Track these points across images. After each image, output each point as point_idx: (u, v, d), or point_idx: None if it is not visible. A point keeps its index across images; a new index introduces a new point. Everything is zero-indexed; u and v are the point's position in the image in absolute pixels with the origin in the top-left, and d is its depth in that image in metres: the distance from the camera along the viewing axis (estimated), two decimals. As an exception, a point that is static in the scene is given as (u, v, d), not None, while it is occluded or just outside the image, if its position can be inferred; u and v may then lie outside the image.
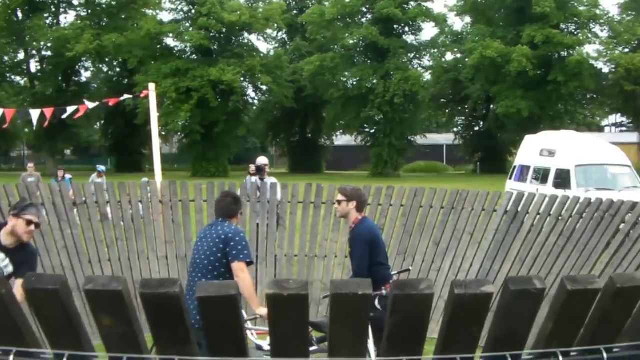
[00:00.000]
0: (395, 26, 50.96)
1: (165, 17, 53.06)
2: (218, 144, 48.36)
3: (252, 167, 10.14)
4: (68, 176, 17.92)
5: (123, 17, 51.85)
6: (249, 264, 5.42)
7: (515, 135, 42.42)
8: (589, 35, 49.32)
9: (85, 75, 56.15)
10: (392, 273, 6.50)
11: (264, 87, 52.24)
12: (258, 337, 5.73)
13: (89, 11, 52.17)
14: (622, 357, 2.10)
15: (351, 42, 51.09)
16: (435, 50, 54.41)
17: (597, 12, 48.80)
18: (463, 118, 60.10)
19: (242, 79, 48.74)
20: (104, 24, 51.05)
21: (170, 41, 51.57)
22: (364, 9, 52.11)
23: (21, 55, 52.42)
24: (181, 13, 51.82)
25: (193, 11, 50.07)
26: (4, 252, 4.84)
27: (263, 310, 5.34)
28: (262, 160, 10.51)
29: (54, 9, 52.43)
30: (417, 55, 54.37)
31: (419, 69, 53.46)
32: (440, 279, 8.58)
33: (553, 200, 8.54)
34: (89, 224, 8.44)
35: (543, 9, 45.30)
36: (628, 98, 49.62)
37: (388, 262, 6.55)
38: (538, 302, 1.96)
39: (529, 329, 2.03)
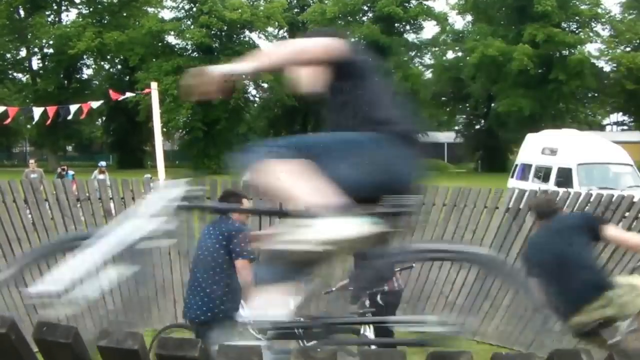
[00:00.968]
0: (396, 24, 50.98)
1: (166, 15, 53.21)
2: (219, 141, 48.31)
3: None
4: (71, 172, 17.96)
5: (124, 15, 51.95)
6: (252, 260, 5.39)
7: (517, 134, 42.28)
8: (591, 34, 49.23)
9: (87, 72, 56.29)
10: (395, 269, 6.47)
11: (265, 85, 52.15)
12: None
13: (91, 9, 52.17)
14: None
15: (352, 40, 50.98)
16: (436, 49, 54.42)
17: (599, 10, 48.75)
18: (464, 116, 60.03)
19: (243, 76, 48.62)
20: (105, 21, 51.09)
21: (171, 39, 51.62)
22: (365, 8, 52.11)
23: (23, 53, 52.46)
24: (182, 11, 51.79)
25: (194, 9, 50.00)
26: None
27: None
28: None
29: (55, 7, 52.44)
30: (418, 54, 54.41)
31: (420, 67, 53.53)
32: (442, 275, 8.58)
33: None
34: (93, 219, 8.42)
35: (544, 8, 45.23)
36: (629, 97, 49.56)
37: None
38: None
39: None
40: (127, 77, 53.06)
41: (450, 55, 55.29)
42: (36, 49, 51.93)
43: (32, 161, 18.88)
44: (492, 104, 51.74)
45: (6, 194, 8.01)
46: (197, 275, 5.46)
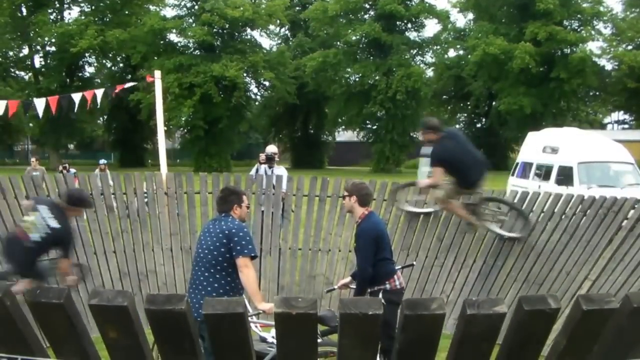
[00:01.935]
0: (397, 22, 50.90)
1: (168, 13, 53.10)
2: (220, 140, 48.36)
3: (262, 156, 10.17)
4: (72, 170, 17.96)
5: (126, 12, 51.97)
6: (253, 258, 5.39)
7: (518, 132, 42.41)
8: (593, 32, 49.16)
9: (89, 70, 56.30)
10: (396, 267, 6.47)
11: (267, 83, 52.15)
12: (262, 329, 5.74)
13: (93, 7, 52.16)
14: None
15: (354, 38, 51.02)
16: (438, 47, 54.34)
17: (601, 9, 48.71)
18: (465, 115, 60.03)
19: (244, 74, 48.70)
20: (107, 19, 51.10)
21: (173, 37, 51.56)
22: (367, 5, 52.03)
23: (25, 51, 52.49)
24: (184, 9, 51.76)
25: (196, 7, 50.01)
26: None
27: (266, 306, 5.34)
28: (271, 149, 10.57)
29: (57, 5, 52.42)
30: (420, 52, 54.30)
31: (422, 65, 53.41)
32: (443, 274, 8.58)
33: (557, 199, 8.51)
34: (95, 215, 8.43)
35: (546, 6, 45.19)
36: (631, 95, 49.55)
37: (392, 257, 6.51)
38: (552, 322, 1.94)
39: (541, 346, 2.01)
40: (129, 75, 53.06)
41: (451, 53, 55.41)
42: (38, 47, 52.03)
43: (33, 159, 18.88)
44: (493, 103, 51.75)
45: (7, 190, 8.00)
46: (197, 274, 5.45)
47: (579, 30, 48.96)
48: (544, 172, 18.14)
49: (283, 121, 59.89)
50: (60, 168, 18.13)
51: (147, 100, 44.01)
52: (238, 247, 5.30)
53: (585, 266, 7.82)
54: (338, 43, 52.14)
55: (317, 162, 57.44)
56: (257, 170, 10.17)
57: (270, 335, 5.49)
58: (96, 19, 50.21)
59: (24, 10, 50.78)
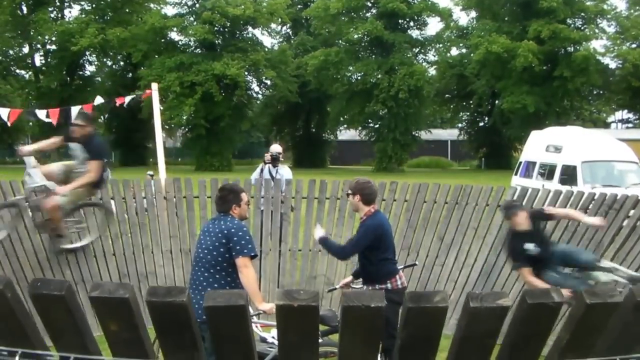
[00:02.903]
0: (400, 21, 50.87)
1: (169, 11, 53.08)
2: (222, 138, 48.35)
3: (268, 156, 10.18)
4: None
5: (127, 11, 51.89)
6: (252, 257, 5.38)
7: (521, 131, 42.36)
8: (596, 31, 49.11)
9: (90, 69, 56.23)
10: (399, 267, 6.49)
11: (268, 82, 52.16)
12: (263, 329, 5.75)
13: (93, 5, 52.13)
14: None
15: (356, 36, 50.97)
16: (440, 45, 54.32)
17: (605, 7, 48.60)
18: (468, 113, 59.99)
19: (246, 73, 48.71)
20: (108, 18, 51.05)
21: (174, 35, 51.58)
22: (369, 4, 52.00)
23: (26, 49, 52.39)
24: (185, 7, 51.83)
25: (197, 5, 50.07)
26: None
27: (266, 306, 5.34)
28: (276, 148, 10.56)
29: (58, 3, 52.35)
30: (422, 50, 54.28)
31: (424, 64, 53.39)
32: (445, 274, 8.60)
33: (557, 195, 8.51)
34: (94, 220, 8.45)
35: (550, 4, 45.11)
36: (635, 94, 49.45)
37: (395, 257, 6.52)
38: (555, 316, 1.94)
39: (544, 341, 2.01)
40: (130, 73, 53.11)
41: (454, 51, 55.33)
42: (39, 46, 51.96)
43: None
44: (496, 101, 51.66)
45: (7, 194, 8.02)
46: (197, 274, 5.44)
47: (582, 28, 48.90)
48: (548, 172, 18.14)
49: (285, 120, 59.88)
50: None
51: (148, 99, 43.88)
52: (237, 247, 5.29)
53: (587, 265, 7.81)
54: (340, 41, 52.11)
55: (319, 161, 57.43)
56: (261, 170, 10.20)
57: (271, 335, 5.50)
58: (97, 17, 50.16)
59: (24, 9, 50.77)
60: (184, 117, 47.40)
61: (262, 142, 63.93)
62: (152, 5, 53.68)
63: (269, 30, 56.73)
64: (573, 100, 49.26)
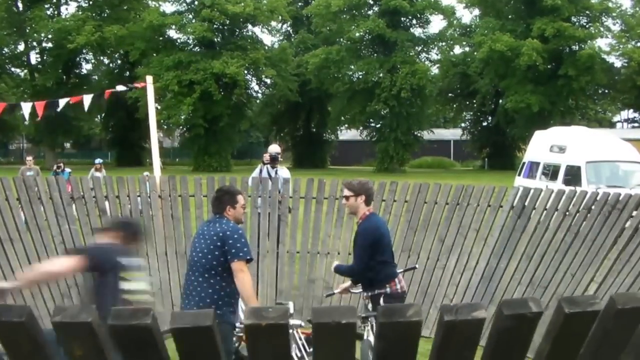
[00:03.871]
0: (402, 18, 50.92)
1: (167, 8, 53.10)
2: (221, 138, 48.34)
3: (267, 156, 10.16)
4: (67, 170, 17.96)
5: (125, 8, 51.85)
6: (248, 261, 5.34)
7: (525, 131, 42.30)
8: (601, 29, 49.13)
9: (86, 67, 56.28)
10: (398, 271, 6.43)
11: (268, 81, 52.16)
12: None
13: (90, 2, 52.18)
14: None
15: (357, 34, 50.96)
16: (443, 44, 54.37)
17: (610, 4, 48.70)
18: (471, 113, 59.99)
19: (245, 72, 48.69)
20: (105, 15, 51.07)
21: (172, 33, 51.64)
22: (371, 1, 52.03)
23: (21, 47, 52.43)
24: (184, 4, 51.74)
25: (196, 2, 49.91)
26: None
27: None
28: (274, 148, 10.54)
29: (54, 0, 52.42)
30: (425, 49, 54.28)
31: (427, 62, 53.41)
32: (446, 277, 8.52)
33: (560, 195, 8.46)
34: (87, 219, 8.42)
35: (554, 1, 45.09)
36: (640, 93, 49.48)
37: (394, 259, 6.46)
38: (534, 326, 1.92)
39: (524, 352, 1.99)
40: (127, 72, 53.07)
41: (457, 50, 55.40)
42: (35, 43, 51.91)
43: (29, 158, 18.83)
44: (500, 100, 51.66)
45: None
46: (191, 279, 5.38)
47: (587, 26, 48.88)
48: (552, 172, 18.13)
49: (285, 119, 59.87)
50: (55, 167, 18.14)
51: (145, 97, 43.84)
52: (233, 251, 5.23)
53: (590, 267, 7.75)
54: (341, 39, 52.12)
55: (320, 161, 57.42)
56: (260, 171, 10.15)
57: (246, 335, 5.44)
58: (94, 14, 50.17)
59: (20, 5, 50.85)
60: (182, 117, 47.28)
61: (262, 142, 63.92)
62: (150, 2, 53.69)
63: (269, 28, 56.74)
64: (578, 99, 49.27)
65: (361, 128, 54.14)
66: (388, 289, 6.04)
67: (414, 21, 52.68)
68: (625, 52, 47.40)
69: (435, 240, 8.68)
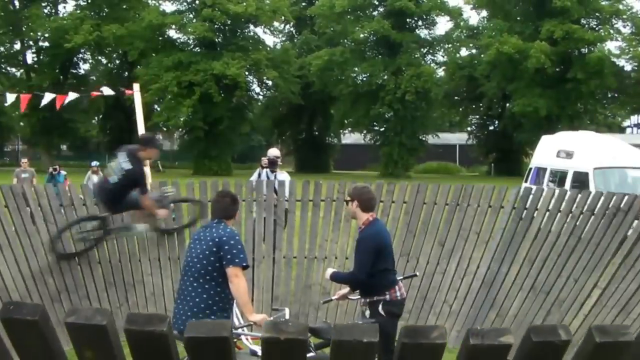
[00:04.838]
0: (408, 20, 51.01)
1: (167, 7, 53.20)
2: (221, 141, 48.32)
3: (265, 160, 10.10)
4: (63, 172, 18.02)
5: (124, 7, 51.85)
6: (244, 267, 5.36)
7: (532, 136, 42.19)
8: (611, 32, 49.07)
9: (84, 67, 56.32)
10: (398, 278, 6.42)
11: (270, 82, 52.13)
12: (253, 342, 5.70)
13: (89, 0, 52.17)
14: None
15: (362, 36, 51.06)
16: (450, 46, 54.38)
17: (620, 7, 48.62)
18: (477, 117, 59.92)
19: (246, 73, 48.74)
20: (104, 14, 51.09)
21: (172, 33, 51.73)
22: (376, 2, 52.16)
23: (17, 46, 52.40)
24: (184, 4, 51.82)
25: (197, 2, 49.95)
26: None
27: (257, 317, 5.31)
28: (273, 152, 10.47)
29: (52, -2, 52.57)
30: (431, 51, 54.36)
31: (432, 64, 53.46)
32: (446, 282, 8.52)
33: (562, 196, 8.45)
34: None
35: (563, 3, 45.09)
36: (651, 98, 49.43)
37: (394, 267, 6.44)
38: (561, 355, 1.89)
39: None
40: (126, 72, 53.15)
41: (464, 52, 55.30)
42: (31, 42, 51.97)
43: (24, 160, 18.92)
44: (507, 104, 51.61)
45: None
46: (186, 284, 5.41)
47: (597, 29, 48.88)
48: (559, 178, 18.06)
49: (287, 122, 59.87)
50: (50, 170, 18.18)
51: (144, 99, 43.80)
52: (229, 256, 5.26)
53: (594, 273, 7.74)
54: (345, 41, 52.18)
55: (323, 165, 57.41)
56: (259, 175, 10.09)
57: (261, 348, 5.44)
58: (92, 13, 50.23)
59: (17, 3, 50.90)
60: (182, 119, 47.26)
61: (263, 146, 63.94)
62: (150, 1, 53.68)
63: (272, 29, 56.76)
64: (587, 103, 49.14)
65: (365, 132, 54.16)
66: (387, 296, 6.05)
67: (420, 22, 52.80)
68: (636, 55, 47.32)
69: (435, 244, 8.66)
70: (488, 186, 8.98)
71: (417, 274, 7.98)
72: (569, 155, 18.12)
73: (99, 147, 66.07)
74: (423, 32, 53.19)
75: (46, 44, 51.30)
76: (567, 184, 17.27)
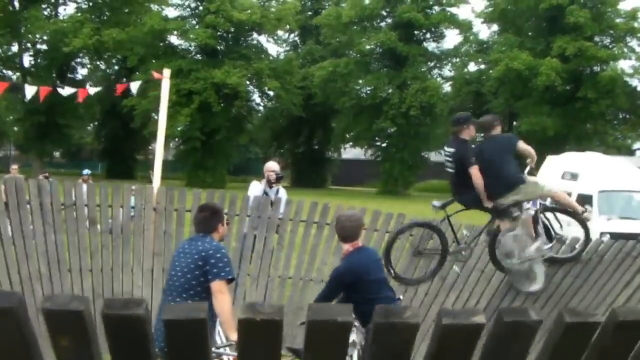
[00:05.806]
0: (416, 32, 50.93)
1: (170, 13, 53.17)
2: (217, 152, 48.15)
3: (273, 176, 9.64)
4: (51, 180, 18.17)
5: (126, 11, 51.81)
6: (230, 281, 5.38)
7: (538, 155, 42.10)
8: (625, 50, 48.76)
9: (82, 72, 56.23)
10: (396, 297, 6.51)
11: (271, 93, 52.08)
12: (234, 362, 5.73)
13: (90, 3, 52.16)
14: None
15: (367, 47, 51.04)
16: (458, 60, 54.34)
17: (635, 25, 48.41)
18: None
19: (248, 82, 48.75)
20: (105, 18, 51.08)
21: (174, 39, 51.71)
22: (384, 13, 52.12)
23: (15, 48, 52.25)
24: (188, 9, 51.91)
25: (200, 8, 50.01)
26: None
27: None
28: (274, 166, 10.16)
29: (53, 0, 52.59)
30: (438, 64, 54.31)
31: (439, 79, 53.37)
32: (449, 303, 8.56)
33: (573, 243, 8.50)
34: (75, 228, 8.50)
35: (577, 19, 45.11)
36: (663, 120, 49.33)
37: (388, 290, 6.32)
38: (533, 336, 1.94)
39: None
40: (124, 79, 53.22)
41: (472, 67, 55.31)
42: (29, 45, 51.86)
43: (14, 166, 18.61)
44: (514, 122, 51.58)
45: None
46: (168, 298, 5.38)
47: (610, 47, 48.80)
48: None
49: (286, 135, 59.75)
50: (41, 177, 18.34)
51: (141, 106, 43.88)
52: (215, 270, 5.24)
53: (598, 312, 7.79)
54: (350, 52, 52.22)
55: (320, 180, 57.25)
56: (265, 193, 9.61)
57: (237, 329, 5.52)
58: (93, 16, 50.16)
59: (16, 4, 50.66)
60: (179, 128, 47.00)
61: (260, 159, 64.01)
62: (152, 6, 53.65)
63: (275, 38, 56.89)
64: (596, 124, 48.76)
65: (366, 147, 54.07)
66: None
67: (428, 35, 52.70)
68: (649, 75, 47.38)
69: (435, 279, 8.65)
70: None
71: (402, 297, 7.95)
72: (573, 177, 18.12)
73: (92, 155, 66.09)
74: (431, 45, 53.16)
75: (44, 47, 51.22)
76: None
